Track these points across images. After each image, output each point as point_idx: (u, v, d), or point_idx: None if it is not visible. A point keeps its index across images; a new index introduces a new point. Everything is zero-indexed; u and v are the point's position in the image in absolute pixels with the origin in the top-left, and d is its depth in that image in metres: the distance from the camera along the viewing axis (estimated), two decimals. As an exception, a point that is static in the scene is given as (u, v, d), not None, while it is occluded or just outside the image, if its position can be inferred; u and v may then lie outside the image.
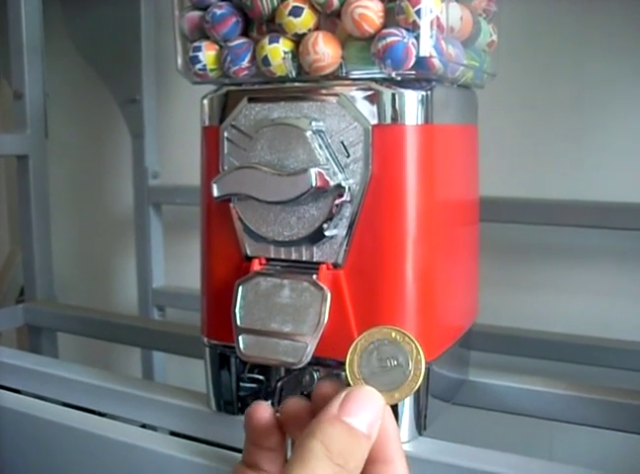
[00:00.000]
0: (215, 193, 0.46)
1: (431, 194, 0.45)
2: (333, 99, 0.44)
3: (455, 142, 0.50)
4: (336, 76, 0.45)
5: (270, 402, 0.45)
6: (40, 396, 0.60)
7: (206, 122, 0.50)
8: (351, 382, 0.35)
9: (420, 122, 0.44)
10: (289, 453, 0.38)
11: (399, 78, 0.44)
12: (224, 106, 0.48)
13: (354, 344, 0.36)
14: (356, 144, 0.44)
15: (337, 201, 0.44)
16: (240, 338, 0.46)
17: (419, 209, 0.44)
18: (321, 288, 0.44)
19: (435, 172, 0.46)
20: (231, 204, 0.48)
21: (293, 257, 0.47)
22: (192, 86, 0.52)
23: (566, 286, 0.84)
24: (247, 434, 0.39)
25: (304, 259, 0.46)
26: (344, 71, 0.45)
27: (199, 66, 0.49)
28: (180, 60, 0.51)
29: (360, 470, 0.32)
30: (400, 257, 0.44)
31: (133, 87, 0.99)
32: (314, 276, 0.45)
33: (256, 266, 0.47)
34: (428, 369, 0.45)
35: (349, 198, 0.44)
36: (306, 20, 0.45)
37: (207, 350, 0.51)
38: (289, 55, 0.46)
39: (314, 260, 0.46)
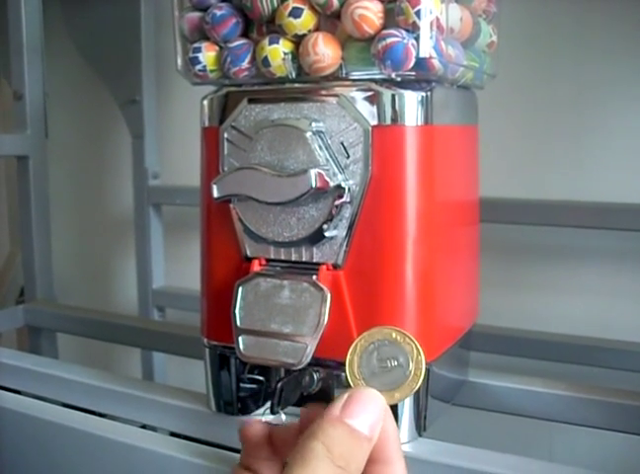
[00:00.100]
0: (215, 193, 0.46)
1: (431, 194, 0.45)
2: (333, 100, 0.44)
3: (455, 143, 0.50)
4: (336, 77, 0.45)
5: (269, 404, 0.45)
6: (40, 397, 0.60)
7: (206, 123, 0.50)
8: (351, 382, 0.35)
9: (420, 123, 0.44)
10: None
11: (399, 79, 0.44)
12: (224, 107, 0.48)
13: (354, 344, 0.36)
14: (355, 145, 0.44)
15: (337, 202, 0.44)
16: (240, 338, 0.46)
17: (419, 210, 0.44)
18: (321, 289, 0.44)
19: (434, 173, 0.46)
20: (231, 205, 0.48)
21: (293, 258, 0.47)
22: (192, 86, 0.52)
23: (566, 287, 0.84)
24: (242, 446, 0.39)
25: (304, 260, 0.46)
26: (344, 72, 0.45)
27: (198, 67, 0.49)
28: (180, 61, 0.51)
29: (361, 472, 0.32)
30: (400, 258, 0.44)
31: (133, 87, 0.99)
32: (314, 277, 0.45)
33: (256, 266, 0.47)
34: (427, 370, 0.45)
35: (349, 199, 0.44)
36: (306, 21, 0.45)
37: (207, 350, 0.51)
38: (289, 56, 0.46)
39: (314, 261, 0.46)
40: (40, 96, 0.91)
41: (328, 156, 0.44)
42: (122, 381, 0.57)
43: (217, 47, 0.48)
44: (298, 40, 0.45)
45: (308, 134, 0.44)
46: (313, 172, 0.43)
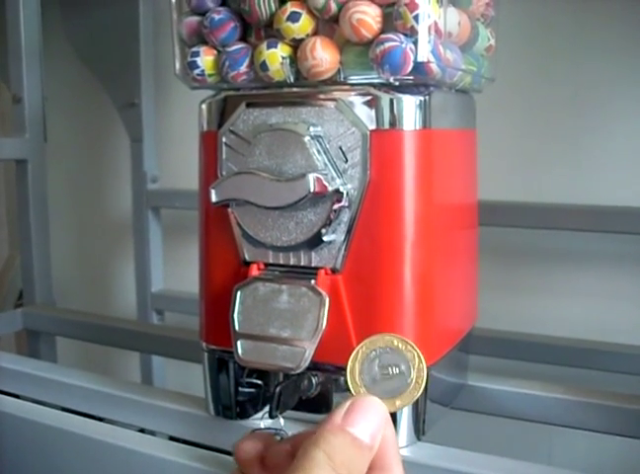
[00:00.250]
0: (214, 198, 0.46)
1: (429, 198, 0.45)
2: (331, 104, 0.45)
3: (454, 147, 0.50)
4: (334, 81, 0.45)
5: (268, 408, 0.45)
6: (39, 401, 0.60)
7: (205, 127, 0.50)
8: (352, 389, 0.35)
9: (418, 127, 0.44)
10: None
11: (397, 83, 0.44)
12: (222, 111, 0.48)
13: (355, 351, 0.35)
14: (354, 149, 0.44)
15: (335, 207, 0.44)
16: (238, 343, 0.46)
17: (417, 214, 0.44)
18: (319, 293, 0.44)
19: (433, 177, 0.46)
20: (229, 210, 0.48)
21: (292, 262, 0.47)
22: (190, 90, 0.52)
23: (564, 290, 0.84)
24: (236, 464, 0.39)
25: (302, 264, 0.46)
26: (342, 76, 0.45)
27: (197, 71, 0.49)
28: (178, 65, 0.51)
29: None
30: (398, 262, 0.44)
31: (132, 91, 0.99)
32: (312, 282, 0.45)
33: (254, 271, 0.47)
34: (426, 374, 0.45)
35: (347, 204, 0.44)
36: (304, 25, 0.45)
37: (206, 354, 0.51)
38: (287, 60, 0.46)
39: (312, 265, 0.46)
40: (38, 99, 0.91)
41: (326, 160, 0.44)
42: (121, 385, 0.57)
43: (215, 52, 0.48)
44: (296, 45, 0.45)
45: (306, 139, 0.44)
46: (311, 176, 0.43)
